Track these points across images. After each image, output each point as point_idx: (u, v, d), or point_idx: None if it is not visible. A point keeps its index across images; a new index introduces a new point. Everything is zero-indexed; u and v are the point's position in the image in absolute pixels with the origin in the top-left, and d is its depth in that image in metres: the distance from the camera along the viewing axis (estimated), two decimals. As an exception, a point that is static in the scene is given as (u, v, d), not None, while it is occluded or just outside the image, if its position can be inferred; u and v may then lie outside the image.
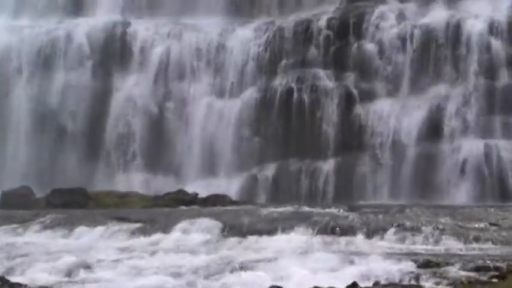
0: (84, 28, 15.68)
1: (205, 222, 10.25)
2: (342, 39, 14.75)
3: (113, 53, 15.55)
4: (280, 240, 9.46)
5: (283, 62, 14.92)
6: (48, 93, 15.52)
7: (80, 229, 10.44)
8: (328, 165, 14.28)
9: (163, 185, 14.54)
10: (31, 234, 10.55)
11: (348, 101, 14.50)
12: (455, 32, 14.11)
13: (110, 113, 15.31)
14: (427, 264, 7.87)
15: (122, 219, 10.82)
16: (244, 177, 14.53)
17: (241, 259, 8.35)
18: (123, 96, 15.39)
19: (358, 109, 14.39)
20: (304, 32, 14.93)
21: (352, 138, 14.34)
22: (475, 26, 14.05)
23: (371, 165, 14.02)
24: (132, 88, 15.33)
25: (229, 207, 12.24)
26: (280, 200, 13.67)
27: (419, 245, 9.07)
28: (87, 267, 8.25)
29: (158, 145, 15.00)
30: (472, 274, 7.51)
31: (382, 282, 7.21)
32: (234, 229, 9.97)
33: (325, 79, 14.65)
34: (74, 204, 12.89)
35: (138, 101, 15.23)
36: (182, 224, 10.18)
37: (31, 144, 15.32)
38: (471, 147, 13.46)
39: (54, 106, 15.43)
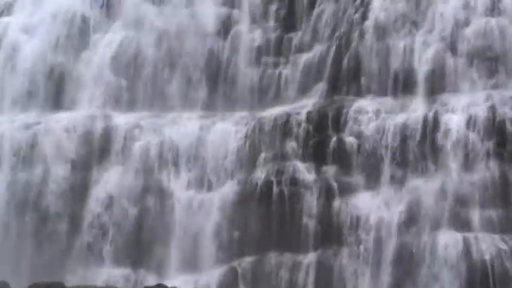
0: (64, 122, 15.93)
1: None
2: (321, 133, 14.98)
3: (93, 147, 15.72)
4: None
5: (263, 155, 15.11)
6: (28, 186, 15.63)
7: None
8: (308, 259, 14.33)
9: (143, 279, 14.53)
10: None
11: (327, 194, 14.65)
12: (433, 126, 14.39)
13: (88, 206, 15.40)
14: None
15: (100, 314, 10.81)
16: (224, 270, 14.56)
17: None
18: (103, 190, 15.50)
19: (338, 202, 14.55)
20: (284, 126, 15.17)
21: (332, 231, 14.41)
22: (453, 120, 14.35)
23: (351, 258, 14.12)
24: (111, 182, 15.47)
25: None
26: (260, 293, 13.73)
27: None
28: None
29: (138, 239, 15.04)
30: None
31: None
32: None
33: (305, 172, 14.84)
34: (52, 300, 12.86)
35: (117, 194, 15.33)
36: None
37: (8, 236, 15.35)
38: (449, 240, 13.62)
39: (33, 199, 15.53)
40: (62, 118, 16.03)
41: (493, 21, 14.83)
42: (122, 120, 15.87)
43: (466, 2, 15.11)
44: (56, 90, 16.53)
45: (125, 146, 15.60)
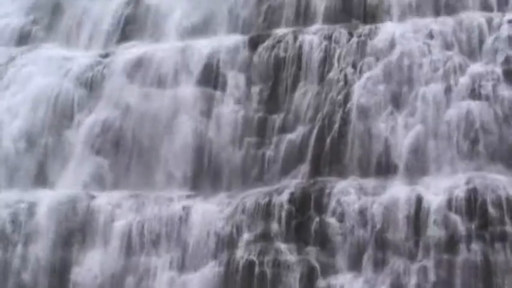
0: (47, 201, 15.98)
1: None
2: (304, 214, 15.04)
3: (74, 226, 15.73)
4: None
5: (245, 235, 15.14)
6: (7, 265, 15.56)
7: None
8: None
9: None
10: None
11: (309, 276, 14.64)
12: (415, 207, 14.49)
13: (69, 287, 15.35)
14: None
15: None
16: None
17: None
18: (84, 270, 15.45)
19: (320, 283, 14.53)
20: (266, 206, 15.24)
21: (315, 312, 14.46)
22: (434, 202, 14.47)
23: None
24: (92, 262, 15.43)
25: None
26: None
27: None
28: None
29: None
30: None
31: None
32: None
33: (287, 253, 14.85)
34: None
35: (99, 274, 15.28)
36: None
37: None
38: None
39: (12, 278, 15.44)
40: (44, 196, 16.11)
41: (473, 105, 15.04)
42: (104, 199, 15.91)
43: (447, 85, 15.35)
44: (39, 168, 16.64)
45: (107, 226, 15.61)
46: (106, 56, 17.28)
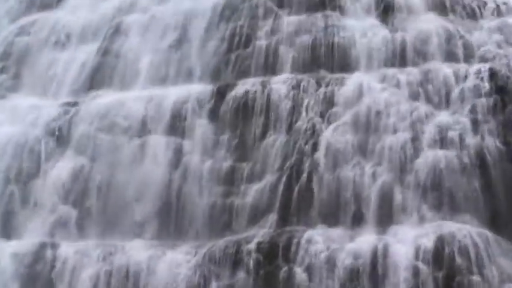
0: (11, 250, 15.83)
1: None
2: (272, 263, 15.02)
3: (41, 276, 15.60)
4: None
5: (213, 284, 15.05)
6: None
7: None
8: None
9: None
10: None
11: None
12: (382, 257, 14.51)
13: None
14: None
15: None
16: None
17: None
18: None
19: None
20: (234, 256, 15.21)
21: None
22: (401, 252, 14.50)
23: None
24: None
25: None
26: None
27: None
28: None
29: None
30: None
31: None
32: None
33: (255, 302, 14.86)
34: None
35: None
36: None
37: None
38: None
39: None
40: (10, 246, 15.97)
41: (440, 154, 15.16)
42: (70, 248, 15.81)
43: (414, 134, 15.49)
44: (5, 218, 16.52)
45: (73, 275, 15.50)
46: (74, 104, 17.29)
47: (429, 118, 15.63)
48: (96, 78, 17.78)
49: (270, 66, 17.01)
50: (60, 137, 16.92)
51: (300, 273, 14.72)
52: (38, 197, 16.48)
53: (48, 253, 15.69)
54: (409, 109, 15.75)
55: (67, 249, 15.81)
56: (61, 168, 16.53)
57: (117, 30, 18.13)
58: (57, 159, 16.72)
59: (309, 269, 14.77)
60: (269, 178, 15.73)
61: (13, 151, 16.85)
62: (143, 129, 16.56)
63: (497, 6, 17.77)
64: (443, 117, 15.59)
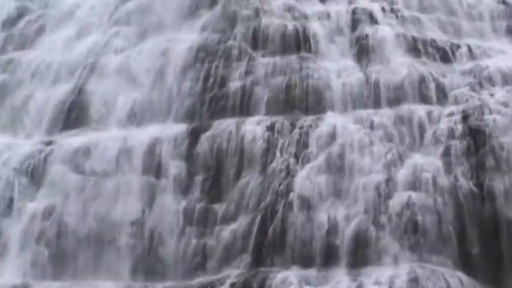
0: (-18, 291, 15.75)
1: None
2: (246, 302, 15.08)
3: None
4: None
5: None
6: None
7: None
8: None
9: None
10: None
11: None
12: (356, 298, 14.57)
13: None
14: None
15: None
16: None
17: None
18: None
19: None
20: (207, 297, 15.24)
21: None
22: (376, 291, 14.59)
23: None
24: None
25: None
26: None
27: None
28: None
29: None
30: None
31: None
32: None
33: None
34: None
35: None
36: None
37: None
38: None
39: None
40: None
41: (414, 196, 15.25)
42: (43, 289, 15.76)
43: (388, 176, 15.58)
44: (-24, 258, 16.44)
45: (44, 316, 15.43)
46: (48, 143, 17.28)
47: (403, 159, 15.74)
48: (71, 117, 17.79)
49: (245, 108, 17.10)
50: (33, 176, 16.87)
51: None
52: (11, 237, 16.38)
53: (20, 294, 15.63)
54: (383, 150, 15.85)
55: (39, 289, 15.77)
56: (34, 208, 16.46)
57: (92, 70, 18.19)
58: (30, 198, 16.66)
59: (283, 308, 14.82)
60: (243, 219, 15.75)
61: (-15, 191, 16.79)
62: (117, 169, 16.57)
63: (470, 49, 18.00)
64: (417, 158, 15.70)
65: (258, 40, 17.90)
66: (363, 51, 17.82)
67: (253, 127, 16.49)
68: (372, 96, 17.04)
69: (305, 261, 15.27)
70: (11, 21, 19.59)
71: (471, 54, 17.92)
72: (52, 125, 17.88)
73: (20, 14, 19.86)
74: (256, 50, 17.79)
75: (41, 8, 19.89)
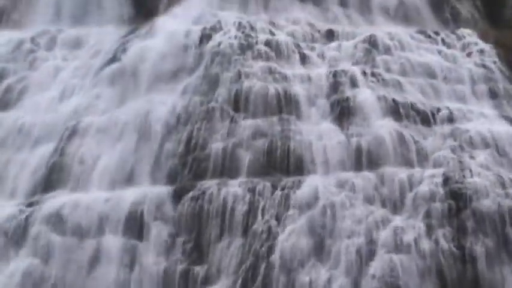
0: None
1: None
2: None
3: None
4: None
5: None
6: None
7: None
8: None
9: None
10: None
11: None
12: None
13: None
14: None
15: None
16: None
17: None
18: None
19: None
20: None
21: None
22: None
23: None
24: None
25: None
26: None
27: None
28: None
29: None
30: None
31: None
32: None
33: None
34: None
35: None
36: None
37: None
38: None
39: None
40: None
41: (396, 258, 15.33)
42: None
43: (370, 238, 15.71)
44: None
45: None
46: (29, 205, 17.29)
47: (384, 222, 15.87)
48: (52, 178, 17.82)
49: (227, 169, 17.21)
50: (13, 237, 16.83)
51: None
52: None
53: None
54: (365, 213, 15.99)
55: None
56: (13, 269, 16.40)
57: (74, 131, 18.28)
58: (10, 259, 16.60)
59: None
60: (225, 281, 15.78)
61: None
62: (98, 230, 16.59)
63: (451, 112, 18.25)
64: (398, 221, 15.82)
65: (239, 102, 18.10)
66: (343, 113, 18.02)
67: (235, 189, 16.60)
68: (353, 158, 17.21)
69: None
70: (-7, 83, 19.70)
71: (452, 117, 18.17)
72: (33, 186, 17.90)
73: (2, 76, 19.97)
74: (238, 112, 17.97)
75: (23, 70, 19.98)
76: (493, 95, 19.23)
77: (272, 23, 20.63)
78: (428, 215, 15.88)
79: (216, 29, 19.92)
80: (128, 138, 18.07)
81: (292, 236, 15.89)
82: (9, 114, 19.17)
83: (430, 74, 19.47)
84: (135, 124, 18.17)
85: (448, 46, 20.42)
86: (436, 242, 15.48)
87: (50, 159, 18.11)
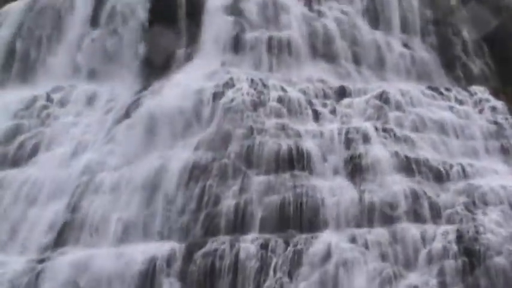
0: None
1: None
2: None
3: None
4: None
5: None
6: None
7: None
8: None
9: None
10: None
11: None
12: None
13: None
14: None
15: None
16: None
17: None
18: None
19: None
20: None
21: None
22: None
23: None
24: None
25: None
26: None
27: None
28: None
29: None
30: None
31: None
32: None
33: None
34: None
35: None
36: None
37: None
38: None
39: None
40: None
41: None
42: None
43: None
44: None
45: None
46: (41, 261, 17.28)
47: (398, 279, 15.80)
48: (64, 235, 17.84)
49: (239, 226, 17.21)
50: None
51: None
52: None
53: None
54: (378, 270, 15.91)
55: None
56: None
57: (86, 188, 18.32)
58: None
59: None
60: None
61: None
62: (110, 286, 16.51)
63: (463, 168, 18.24)
64: (412, 278, 15.74)
65: (252, 159, 18.15)
66: (356, 170, 18.05)
67: (247, 245, 16.57)
68: (366, 214, 17.19)
69: None
70: (6, 139, 19.81)
71: (464, 173, 18.16)
72: (45, 242, 17.91)
73: (16, 132, 20.10)
74: (251, 169, 18.01)
75: (36, 126, 20.11)
76: (505, 151, 19.25)
77: (284, 80, 20.77)
78: (441, 272, 15.82)
79: (228, 85, 20.06)
80: (140, 194, 18.11)
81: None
82: (22, 170, 19.24)
83: (442, 130, 19.53)
84: (147, 180, 18.22)
85: (460, 103, 20.51)
86: (451, 299, 15.43)
87: (63, 216, 18.15)
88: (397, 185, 17.63)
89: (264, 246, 16.62)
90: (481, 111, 20.28)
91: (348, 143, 18.74)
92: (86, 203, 18.22)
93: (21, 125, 20.42)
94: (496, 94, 21.00)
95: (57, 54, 22.81)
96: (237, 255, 16.51)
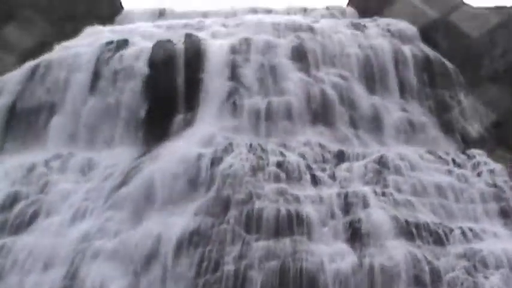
0: None
1: None
2: None
3: None
4: None
5: None
6: None
7: None
8: None
9: None
10: None
11: None
12: None
13: None
14: None
15: None
16: None
17: None
18: None
19: None
20: None
21: None
22: None
23: None
24: None
25: None
26: None
27: None
28: None
29: None
30: None
31: None
32: None
33: None
34: None
35: None
36: None
37: None
38: None
39: None
40: None
41: None
42: None
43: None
44: None
45: None
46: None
47: None
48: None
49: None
50: None
51: None
52: None
53: None
54: None
55: None
56: None
57: (85, 255, 18.23)
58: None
59: None
60: None
61: None
62: None
63: (463, 232, 18.22)
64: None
65: (251, 224, 18.13)
66: (356, 234, 18.03)
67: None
68: (366, 279, 17.10)
69: None
70: (5, 207, 19.81)
71: (464, 237, 18.14)
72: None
73: (15, 199, 20.10)
74: (250, 234, 17.98)
75: (36, 193, 20.12)
76: (504, 214, 19.25)
77: (283, 145, 20.85)
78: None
79: (227, 151, 20.14)
80: (139, 261, 18.03)
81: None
82: (20, 237, 19.18)
83: (442, 194, 19.56)
84: (145, 247, 18.17)
85: (459, 166, 20.58)
86: None
87: (61, 283, 18.05)
88: (397, 250, 17.60)
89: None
90: (479, 174, 20.33)
91: (348, 207, 18.76)
92: (85, 270, 18.15)
93: (20, 193, 20.42)
94: (494, 157, 21.07)
95: (56, 121, 22.92)
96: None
